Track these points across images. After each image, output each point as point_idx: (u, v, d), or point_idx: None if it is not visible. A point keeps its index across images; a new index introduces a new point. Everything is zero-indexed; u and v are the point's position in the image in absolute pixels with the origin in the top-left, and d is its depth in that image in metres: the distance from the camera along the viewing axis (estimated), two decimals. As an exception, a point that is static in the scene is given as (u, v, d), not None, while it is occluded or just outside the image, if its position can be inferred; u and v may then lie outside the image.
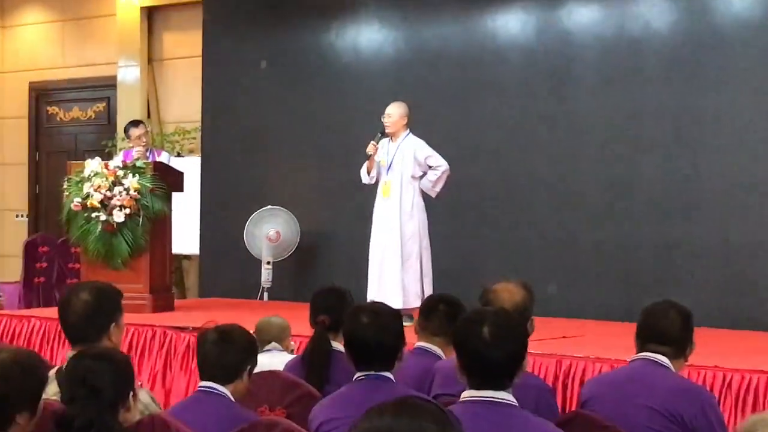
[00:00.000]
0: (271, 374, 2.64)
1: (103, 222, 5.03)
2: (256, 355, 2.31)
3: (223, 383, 2.13)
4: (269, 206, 6.25)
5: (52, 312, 4.01)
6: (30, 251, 6.83)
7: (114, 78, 7.57)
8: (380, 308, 2.36)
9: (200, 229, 6.72)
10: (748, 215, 5.08)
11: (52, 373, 1.99)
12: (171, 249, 5.54)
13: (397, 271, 4.93)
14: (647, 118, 5.39)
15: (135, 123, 6.16)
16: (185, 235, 6.22)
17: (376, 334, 2.18)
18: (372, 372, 2.17)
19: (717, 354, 3.66)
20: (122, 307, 2.34)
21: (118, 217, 5.01)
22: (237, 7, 6.77)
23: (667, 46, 5.38)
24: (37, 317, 5.10)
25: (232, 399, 2.13)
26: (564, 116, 5.62)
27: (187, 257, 7.14)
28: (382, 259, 4.97)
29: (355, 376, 2.19)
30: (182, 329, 4.62)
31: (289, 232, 6.24)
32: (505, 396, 1.84)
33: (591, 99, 5.54)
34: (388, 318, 2.28)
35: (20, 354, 1.83)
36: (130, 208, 5.03)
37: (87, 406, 1.67)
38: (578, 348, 4.00)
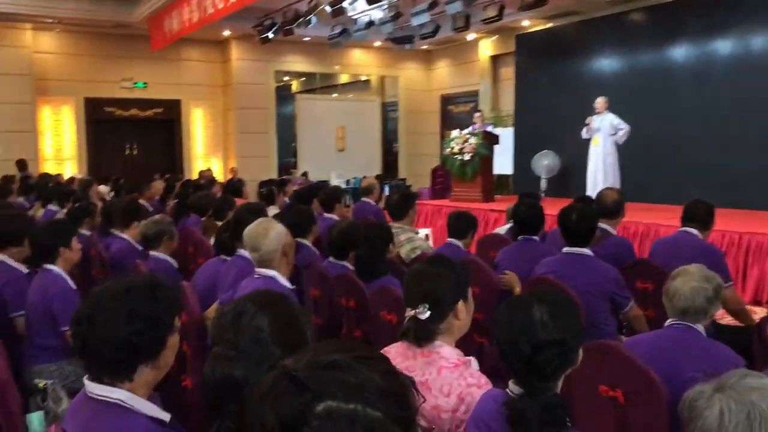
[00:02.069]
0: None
1: (460, 160, 11.85)
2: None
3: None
4: (545, 150, 12.40)
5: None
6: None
7: (477, 91, 14.68)
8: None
9: (513, 161, 13.25)
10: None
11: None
12: (492, 171, 12.14)
13: (600, 181, 10.67)
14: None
15: (476, 110, 12.96)
16: (502, 164, 12.82)
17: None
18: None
19: None
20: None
21: (467, 157, 11.78)
22: (530, 57, 13.12)
23: None
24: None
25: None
26: None
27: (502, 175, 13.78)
28: (595, 177, 10.70)
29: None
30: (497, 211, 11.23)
31: (556, 164, 12.27)
32: (585, 250, 3.66)
33: None
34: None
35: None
36: (471, 153, 11.76)
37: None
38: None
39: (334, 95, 18.69)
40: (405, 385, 0.91)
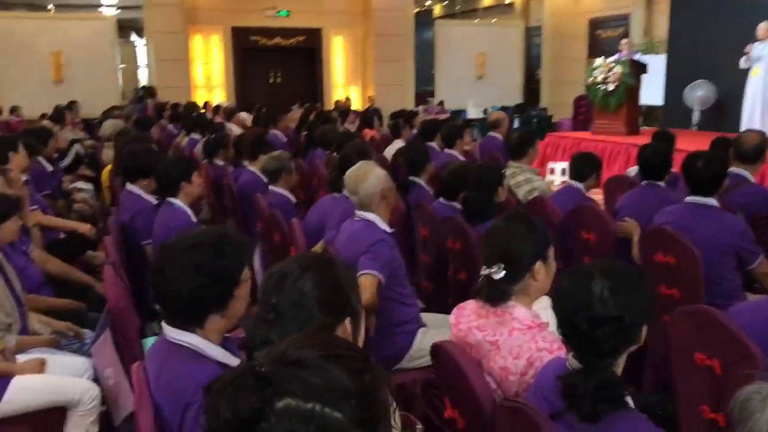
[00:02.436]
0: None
1: (603, 90, 11.20)
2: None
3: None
4: (699, 80, 11.45)
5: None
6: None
7: (628, 15, 13.67)
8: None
9: (664, 91, 12.35)
10: None
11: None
12: (638, 102, 11.38)
13: (757, 116, 9.76)
14: None
15: (625, 36, 12.08)
16: (651, 95, 12.00)
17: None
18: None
19: None
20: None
21: (611, 87, 11.12)
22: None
23: None
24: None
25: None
26: None
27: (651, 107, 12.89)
28: (752, 111, 9.73)
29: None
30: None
31: (711, 96, 11.31)
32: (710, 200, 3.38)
33: None
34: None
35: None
36: (616, 82, 11.07)
37: None
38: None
39: (476, 21, 18.14)
40: (376, 385, 0.89)
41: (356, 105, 15.56)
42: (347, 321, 1.50)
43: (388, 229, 3.16)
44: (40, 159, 5.62)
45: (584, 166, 4.42)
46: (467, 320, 2.08)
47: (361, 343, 1.56)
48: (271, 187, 4.51)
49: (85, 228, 4.49)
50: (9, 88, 13.27)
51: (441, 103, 15.07)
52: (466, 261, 3.74)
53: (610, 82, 10.65)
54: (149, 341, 2.90)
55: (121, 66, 15.75)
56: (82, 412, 2.75)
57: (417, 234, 4.41)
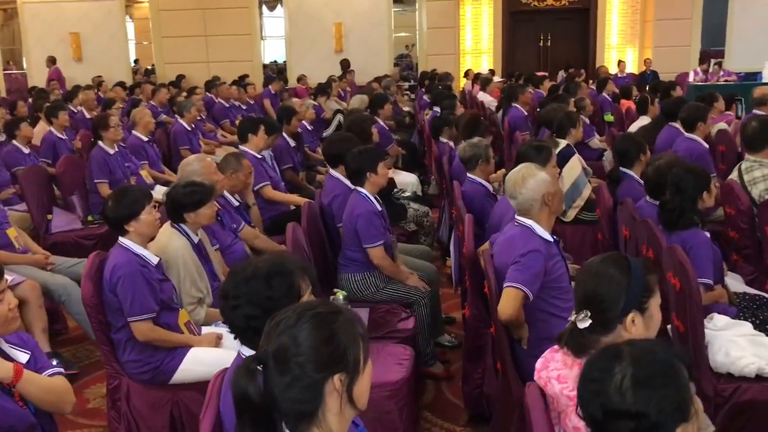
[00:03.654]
0: None
1: None
2: None
3: None
4: None
5: None
6: None
7: None
8: None
9: None
10: None
11: None
12: None
13: None
14: None
15: None
16: None
17: None
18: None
19: None
20: None
21: None
22: None
23: None
24: None
25: None
26: None
27: None
28: None
29: None
30: None
31: None
32: None
33: None
34: None
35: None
36: None
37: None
38: None
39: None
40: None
41: (631, 68, 14.50)
42: (338, 376, 1.45)
43: (548, 237, 2.97)
44: (284, 135, 6.18)
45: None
46: (553, 367, 1.89)
47: (361, 400, 1.50)
48: (469, 175, 4.45)
49: (301, 201, 4.86)
50: (298, 58, 14.69)
51: (718, 63, 13.17)
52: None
53: None
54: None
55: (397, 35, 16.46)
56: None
57: (619, 234, 4.06)
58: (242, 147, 5.32)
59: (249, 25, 14.67)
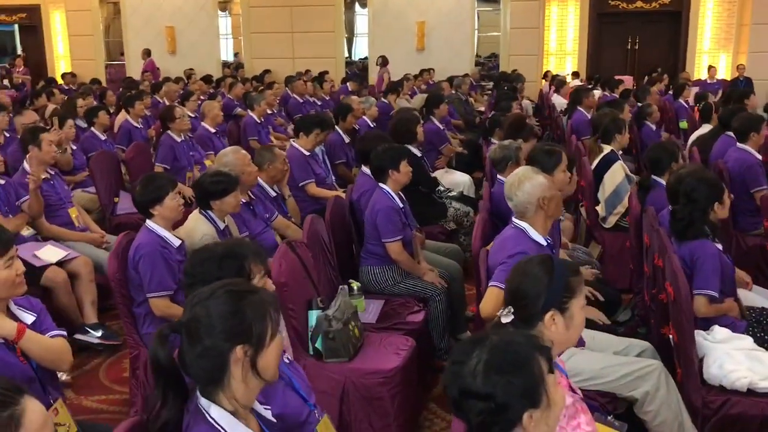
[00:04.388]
0: None
1: None
2: None
3: None
4: None
5: None
6: None
7: None
8: None
9: None
10: None
11: None
12: None
13: None
14: None
15: None
16: None
17: None
18: None
19: None
20: None
21: None
22: None
23: None
24: None
25: None
26: None
27: None
28: None
29: None
30: None
31: None
32: None
33: None
34: None
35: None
36: None
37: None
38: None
39: None
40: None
41: (723, 74, 13.93)
42: (241, 347, 1.59)
43: (542, 240, 3.02)
44: (339, 131, 6.40)
45: None
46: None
47: (268, 371, 1.64)
48: (498, 176, 4.51)
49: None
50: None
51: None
52: (660, 282, 3.35)
53: None
54: (313, 315, 3.27)
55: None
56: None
57: (641, 241, 4.02)
58: (293, 143, 5.58)
59: (334, 22, 15.02)
